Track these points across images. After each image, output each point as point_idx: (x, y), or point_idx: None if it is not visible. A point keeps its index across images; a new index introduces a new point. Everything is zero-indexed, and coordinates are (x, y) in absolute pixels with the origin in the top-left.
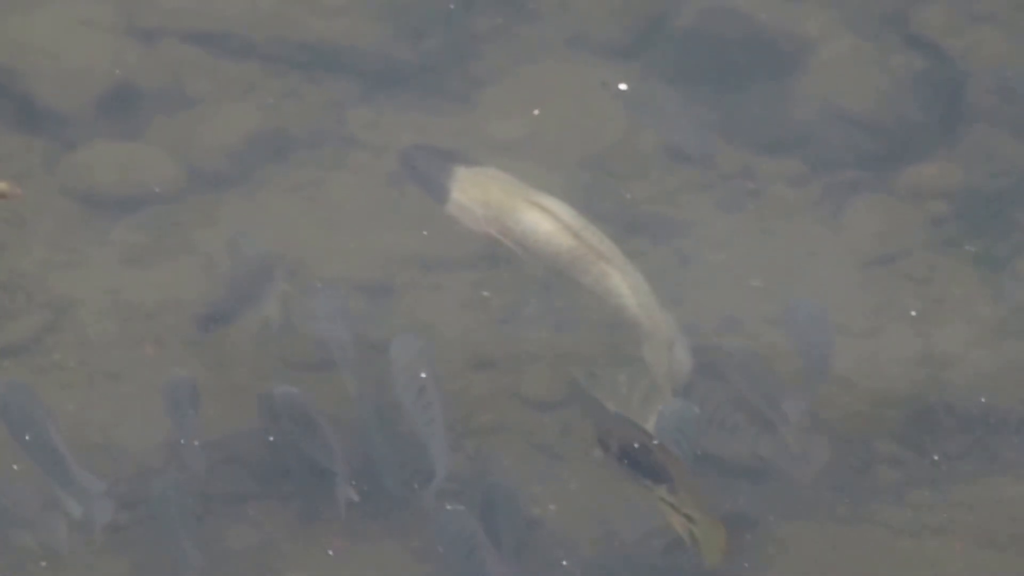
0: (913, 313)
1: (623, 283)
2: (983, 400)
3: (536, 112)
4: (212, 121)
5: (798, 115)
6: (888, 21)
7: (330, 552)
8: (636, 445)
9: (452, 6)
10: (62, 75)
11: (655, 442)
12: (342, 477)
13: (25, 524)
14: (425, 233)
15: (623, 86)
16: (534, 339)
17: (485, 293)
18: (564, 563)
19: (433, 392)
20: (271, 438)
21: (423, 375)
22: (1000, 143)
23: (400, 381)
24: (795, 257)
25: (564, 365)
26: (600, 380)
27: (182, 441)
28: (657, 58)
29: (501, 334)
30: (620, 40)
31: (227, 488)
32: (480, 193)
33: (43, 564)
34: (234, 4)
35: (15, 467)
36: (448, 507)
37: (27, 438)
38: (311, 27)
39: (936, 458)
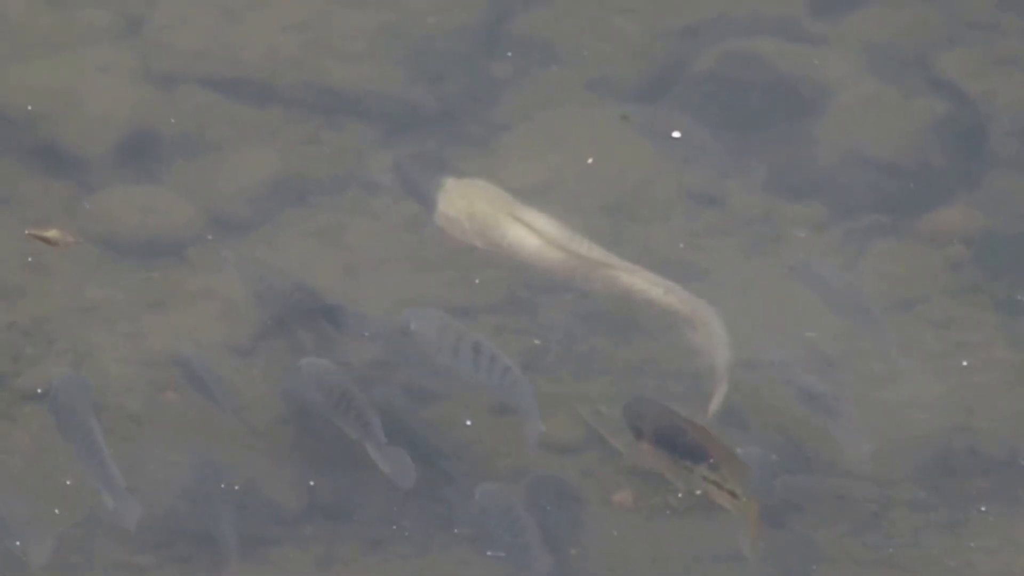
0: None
1: (636, 279)
2: (1003, 444)
3: (590, 160)
4: (232, 166)
5: (819, 159)
6: (910, 65)
7: None
8: (670, 426)
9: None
10: (83, 120)
11: (688, 421)
12: (377, 446)
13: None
14: (445, 278)
15: (677, 134)
16: (555, 383)
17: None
18: None
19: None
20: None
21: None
22: (1021, 187)
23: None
24: (816, 302)
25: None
26: (606, 417)
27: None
28: (677, 102)
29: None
30: (640, 84)
31: (248, 532)
32: (466, 205)
33: None
34: (254, 49)
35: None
36: (489, 485)
37: (72, 431)
38: (331, 72)
39: (982, 509)
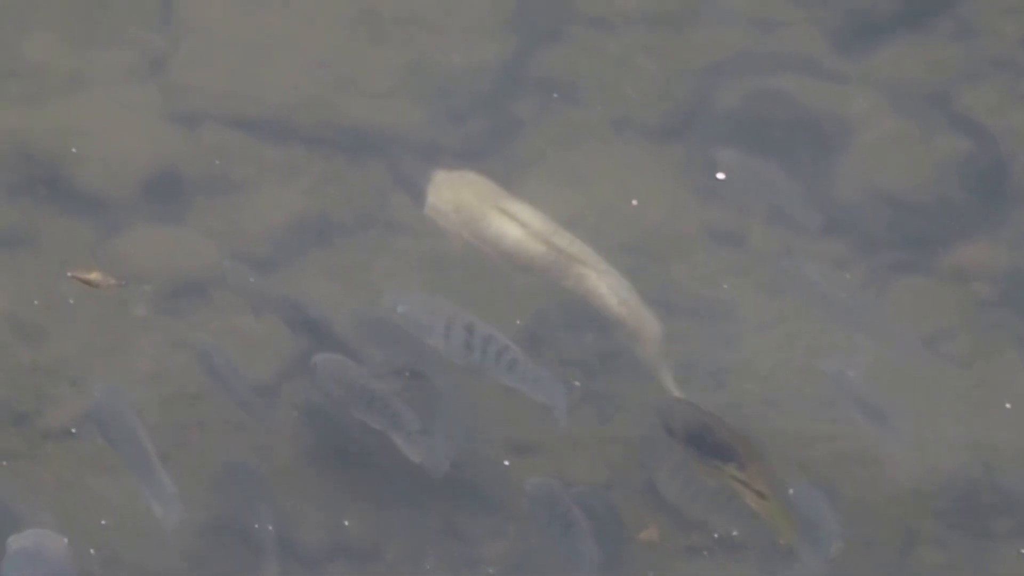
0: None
1: (601, 283)
2: None
3: (635, 202)
4: (254, 205)
5: (841, 196)
6: (931, 102)
7: None
8: (700, 425)
9: (494, 90)
10: (105, 160)
11: (718, 420)
12: (406, 436)
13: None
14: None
15: (721, 175)
16: (577, 423)
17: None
18: None
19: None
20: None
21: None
22: None
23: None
24: (837, 339)
25: (607, 449)
26: None
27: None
28: (700, 140)
29: (544, 418)
30: (663, 122)
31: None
32: (453, 197)
33: None
34: (276, 88)
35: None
36: (539, 481)
37: (119, 441)
38: (353, 111)
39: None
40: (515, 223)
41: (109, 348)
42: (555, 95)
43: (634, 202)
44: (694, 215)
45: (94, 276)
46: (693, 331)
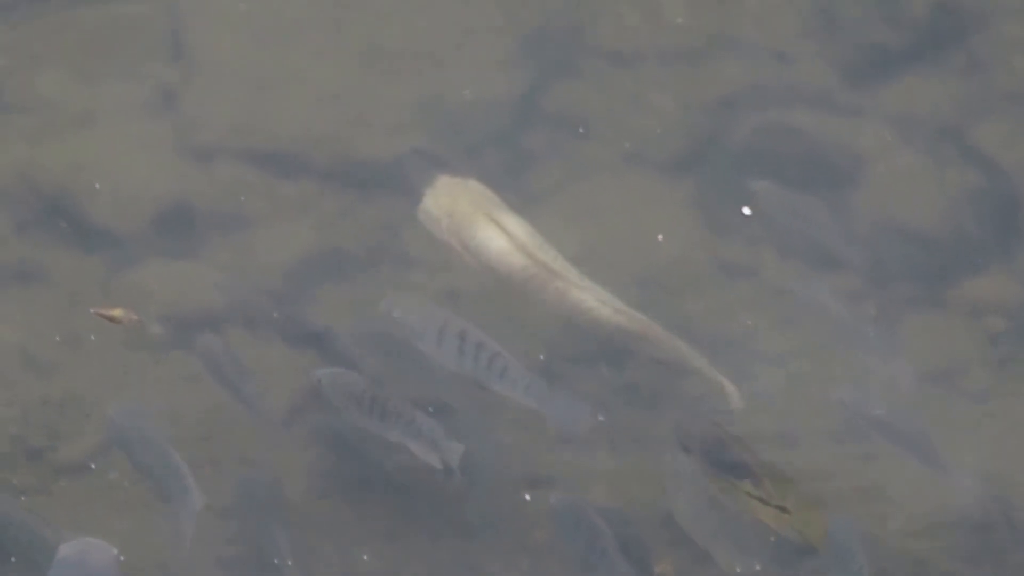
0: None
1: (586, 296)
2: None
3: (660, 238)
4: (268, 240)
5: (854, 230)
6: (944, 136)
7: None
8: (716, 441)
9: (506, 124)
10: (117, 194)
11: (733, 436)
12: (422, 442)
13: None
14: None
15: (747, 210)
16: (590, 456)
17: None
18: None
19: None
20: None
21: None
22: None
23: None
24: (851, 373)
25: (624, 482)
26: None
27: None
28: (713, 174)
29: (558, 452)
30: (676, 156)
31: None
32: (449, 203)
33: None
34: (289, 124)
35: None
36: (566, 498)
37: (144, 458)
38: (366, 146)
39: None
40: (501, 233)
41: (121, 383)
42: (572, 129)
43: (660, 237)
44: (708, 249)
45: (117, 313)
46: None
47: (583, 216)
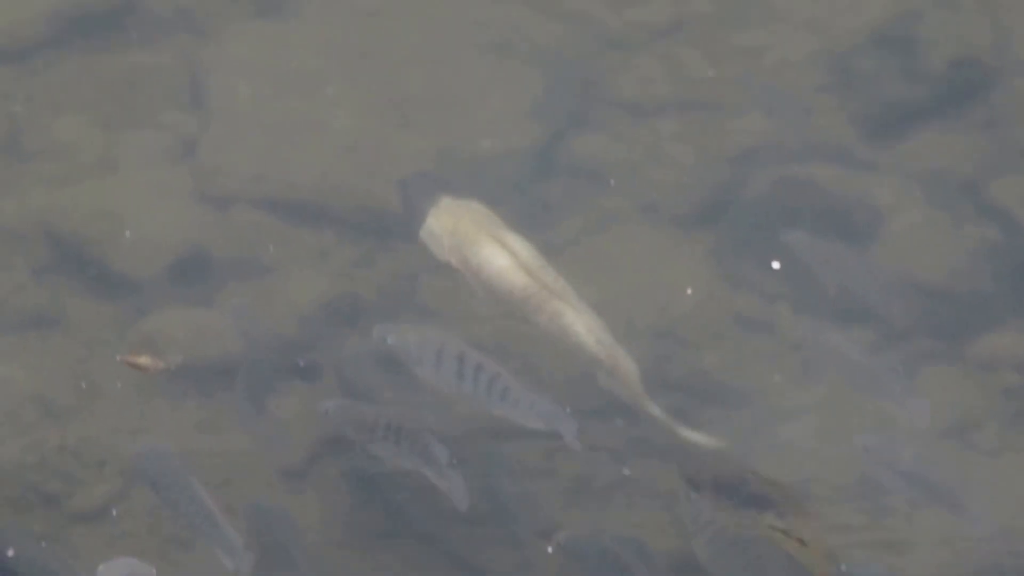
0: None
1: (577, 321)
2: None
3: (689, 291)
4: (284, 288)
5: (880, 280)
6: (961, 191)
7: None
8: (730, 477)
9: (524, 175)
10: (135, 242)
11: (749, 471)
12: (438, 469)
13: None
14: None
15: (776, 264)
16: (603, 509)
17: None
18: None
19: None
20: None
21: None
22: None
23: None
24: (866, 428)
25: (639, 534)
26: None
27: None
28: (730, 227)
29: (572, 503)
30: (693, 209)
31: None
32: (450, 222)
33: None
34: (307, 172)
35: None
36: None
37: (175, 499)
38: (384, 194)
39: None
40: (504, 252)
41: (137, 430)
42: (591, 180)
43: (688, 291)
44: (725, 302)
45: (143, 360)
46: (723, 419)
47: (601, 268)
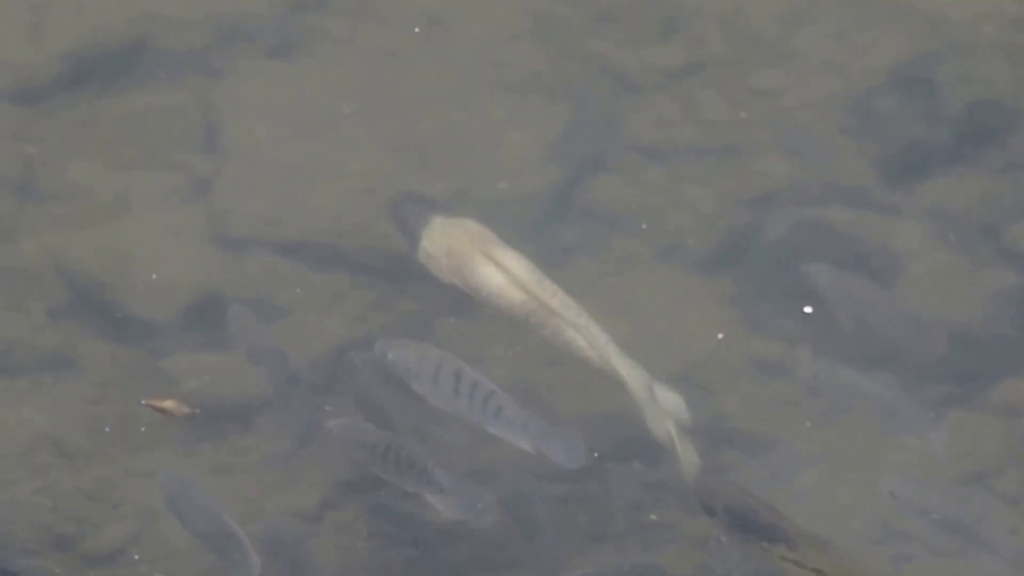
0: None
1: (578, 337)
2: None
3: (720, 336)
4: (300, 331)
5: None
6: (981, 235)
7: None
8: (743, 506)
9: (541, 217)
10: (150, 285)
11: (762, 502)
12: (438, 493)
13: None
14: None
15: (808, 309)
16: (622, 553)
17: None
18: None
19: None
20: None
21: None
22: None
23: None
24: (885, 474)
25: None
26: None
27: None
28: (749, 271)
29: (592, 548)
30: (711, 252)
31: None
32: (445, 243)
33: None
34: (322, 215)
35: None
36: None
37: (200, 526)
38: (399, 237)
39: None
40: (499, 270)
41: (151, 472)
42: (607, 223)
43: (720, 335)
44: (744, 346)
45: (168, 404)
46: (742, 463)
47: (619, 311)
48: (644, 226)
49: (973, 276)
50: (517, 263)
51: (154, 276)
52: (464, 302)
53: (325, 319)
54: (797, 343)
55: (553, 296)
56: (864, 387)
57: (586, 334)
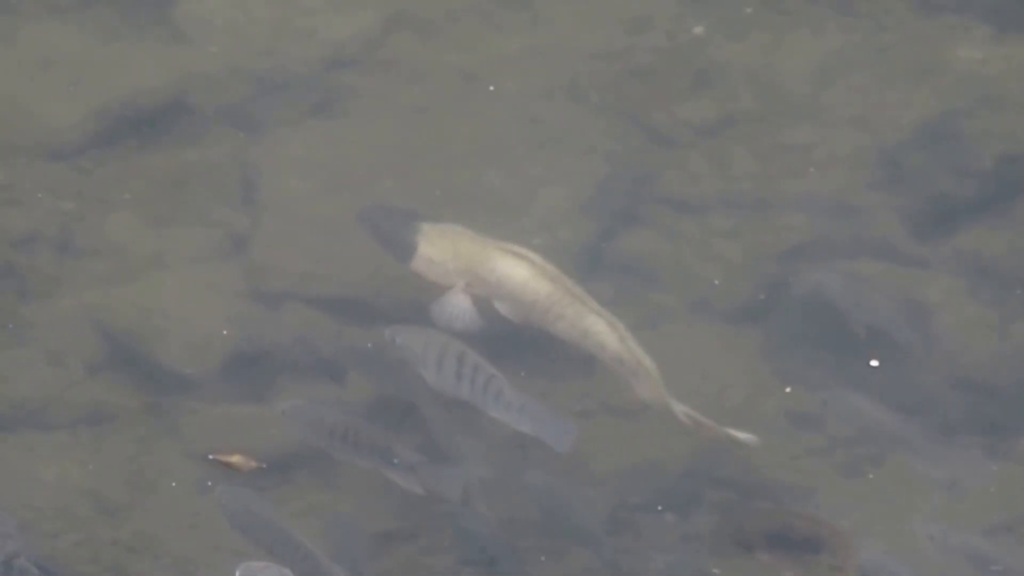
0: None
1: (600, 321)
2: None
3: (788, 389)
4: (336, 386)
5: (918, 380)
6: (1010, 287)
7: None
8: (778, 525)
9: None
10: (187, 339)
11: (792, 513)
12: (399, 469)
13: None
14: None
15: (875, 363)
16: None
17: None
18: None
19: None
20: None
21: None
22: None
23: None
24: (915, 524)
25: None
26: None
27: None
28: (779, 324)
29: None
30: (741, 305)
31: None
32: (449, 246)
33: None
34: (359, 268)
35: None
36: None
37: (268, 541)
38: (436, 292)
39: None
40: (522, 262)
41: (190, 525)
42: (639, 277)
43: (788, 390)
44: (773, 398)
45: (236, 460)
46: None
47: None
48: (716, 282)
49: (1002, 328)
50: (534, 256)
51: (191, 331)
52: (502, 354)
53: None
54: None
55: (574, 286)
56: (872, 414)
57: (607, 318)
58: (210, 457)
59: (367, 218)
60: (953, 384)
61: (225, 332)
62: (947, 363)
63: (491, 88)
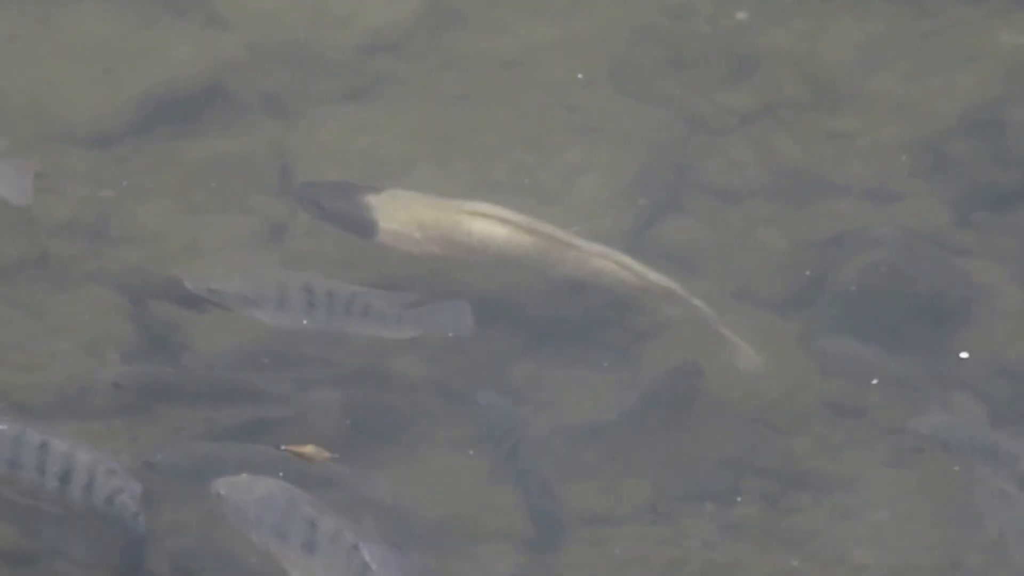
0: None
1: (607, 263)
2: None
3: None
4: (378, 367)
5: (961, 371)
6: None
7: None
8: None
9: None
10: (223, 328)
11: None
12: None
13: None
14: (592, 486)
15: (964, 354)
16: None
17: None
18: None
19: None
20: None
21: None
22: None
23: None
24: (958, 517)
25: None
26: None
27: None
28: (820, 312)
29: None
30: (783, 294)
31: None
32: (410, 215)
33: None
34: (396, 257)
35: None
36: None
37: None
38: (473, 281)
39: None
40: (496, 221)
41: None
42: (680, 265)
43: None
44: (814, 387)
45: (309, 450)
46: (814, 504)
47: (690, 353)
48: (808, 272)
49: None
50: (504, 211)
51: (227, 319)
52: (539, 344)
53: (401, 361)
54: (868, 384)
55: (557, 232)
56: (868, 358)
57: (613, 258)
58: (282, 448)
59: (307, 201)
60: (996, 374)
61: (262, 320)
62: (990, 353)
63: (530, 75)
